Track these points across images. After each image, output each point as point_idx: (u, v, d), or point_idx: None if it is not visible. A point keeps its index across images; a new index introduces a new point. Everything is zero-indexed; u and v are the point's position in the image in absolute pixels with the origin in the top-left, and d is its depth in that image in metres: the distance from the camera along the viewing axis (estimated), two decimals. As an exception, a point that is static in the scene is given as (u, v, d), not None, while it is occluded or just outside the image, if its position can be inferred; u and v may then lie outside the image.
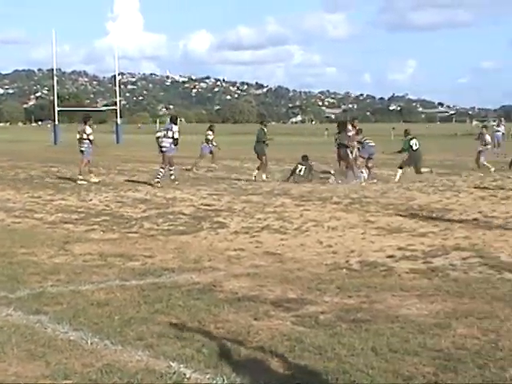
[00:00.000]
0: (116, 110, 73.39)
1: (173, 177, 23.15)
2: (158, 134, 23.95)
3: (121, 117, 73.75)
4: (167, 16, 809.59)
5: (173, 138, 23.16)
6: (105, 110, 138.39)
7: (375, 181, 23.42)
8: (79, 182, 23.16)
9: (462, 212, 15.47)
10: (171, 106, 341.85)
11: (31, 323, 7.00)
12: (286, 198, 18.69)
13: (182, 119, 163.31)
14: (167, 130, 23.61)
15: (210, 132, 31.54)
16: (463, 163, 31.80)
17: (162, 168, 23.19)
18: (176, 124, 23.77)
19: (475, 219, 14.41)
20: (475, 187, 21.17)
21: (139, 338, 6.53)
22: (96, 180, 23.59)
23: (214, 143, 31.51)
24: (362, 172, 24.07)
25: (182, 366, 5.79)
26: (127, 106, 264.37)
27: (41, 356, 6.04)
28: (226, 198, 18.59)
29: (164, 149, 23.34)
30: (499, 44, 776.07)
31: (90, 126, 24.54)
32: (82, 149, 24.45)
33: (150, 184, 22.47)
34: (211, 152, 31.37)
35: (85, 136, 24.27)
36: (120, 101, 79.16)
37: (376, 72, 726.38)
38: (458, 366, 5.73)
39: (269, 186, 21.94)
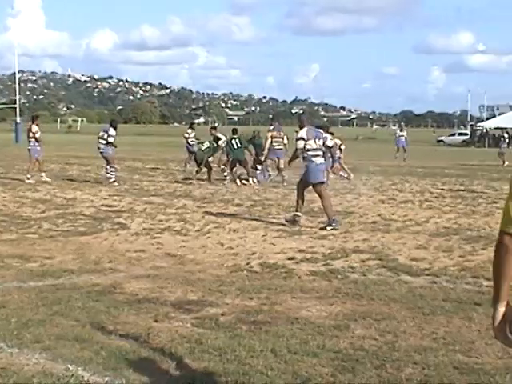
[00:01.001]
0: (15, 108, 71.91)
1: (109, 175, 23.29)
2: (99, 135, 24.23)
3: (20, 115, 72.23)
4: (70, 14, 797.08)
5: (107, 141, 23.52)
6: (3, 108, 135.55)
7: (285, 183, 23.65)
8: (27, 181, 22.72)
9: (362, 215, 15.75)
10: (73, 106, 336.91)
11: None
12: (188, 199, 18.67)
13: (84, 119, 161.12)
14: (105, 132, 23.84)
15: (190, 130, 29.41)
16: (364, 166, 32.33)
17: (111, 167, 23.51)
18: (115, 128, 23.91)
19: (374, 222, 14.69)
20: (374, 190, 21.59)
21: (36, 340, 6.42)
22: (47, 179, 23.26)
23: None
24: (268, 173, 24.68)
25: (79, 368, 5.72)
26: (27, 104, 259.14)
27: None
28: (128, 199, 18.45)
29: (101, 150, 23.76)
30: (401, 50, 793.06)
31: (37, 124, 24.17)
32: (29, 147, 24.16)
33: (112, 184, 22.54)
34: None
35: (31, 135, 23.96)
36: (20, 99, 77.59)
37: (280, 75, 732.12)
38: (356, 367, 5.84)
39: (171, 188, 21.88)
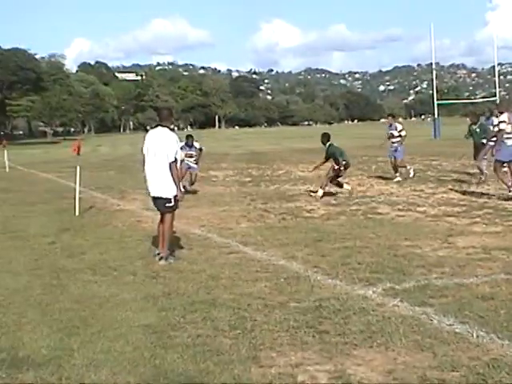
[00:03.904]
0: (495, 101, 71.87)
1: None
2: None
3: (501, 108, 71.85)
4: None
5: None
6: (484, 102, 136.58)
7: None
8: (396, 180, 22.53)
9: None
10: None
11: (417, 314, 7.14)
12: None
13: None
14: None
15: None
16: None
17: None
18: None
19: None
20: None
21: (529, 333, 6.39)
22: (398, 179, 22.58)
23: None
24: None
25: None
26: (507, 96, 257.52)
27: (428, 347, 6.14)
28: None
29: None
30: None
31: (399, 122, 24.26)
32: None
33: None
34: None
35: (396, 133, 23.32)
36: (499, 92, 77.34)
37: None
38: None
39: None
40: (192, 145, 21.00)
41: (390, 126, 23.70)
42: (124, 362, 6.07)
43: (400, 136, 23.30)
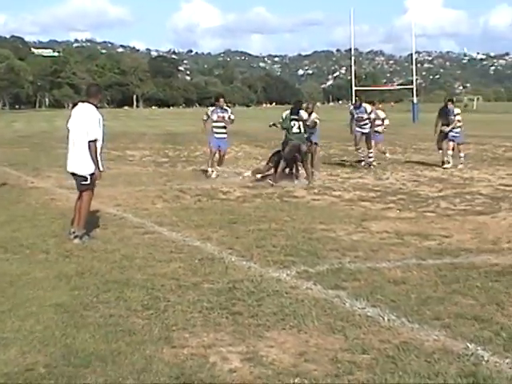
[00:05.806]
0: (412, 88, 73.01)
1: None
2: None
3: (417, 96, 73.18)
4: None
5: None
6: (400, 89, 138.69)
7: None
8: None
9: None
10: (468, 84, 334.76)
11: (330, 297, 7.21)
12: None
13: (479, 97, 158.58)
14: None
15: None
16: None
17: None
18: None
19: None
20: None
21: (436, 317, 6.51)
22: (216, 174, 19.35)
23: None
24: None
25: (479, 348, 5.70)
26: (423, 84, 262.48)
27: (339, 330, 6.21)
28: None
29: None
30: None
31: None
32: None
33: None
34: None
35: (226, 116, 19.36)
36: (416, 79, 78.62)
37: None
38: None
39: None
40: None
41: (221, 108, 19.39)
42: (34, 341, 5.97)
43: (230, 119, 19.31)
